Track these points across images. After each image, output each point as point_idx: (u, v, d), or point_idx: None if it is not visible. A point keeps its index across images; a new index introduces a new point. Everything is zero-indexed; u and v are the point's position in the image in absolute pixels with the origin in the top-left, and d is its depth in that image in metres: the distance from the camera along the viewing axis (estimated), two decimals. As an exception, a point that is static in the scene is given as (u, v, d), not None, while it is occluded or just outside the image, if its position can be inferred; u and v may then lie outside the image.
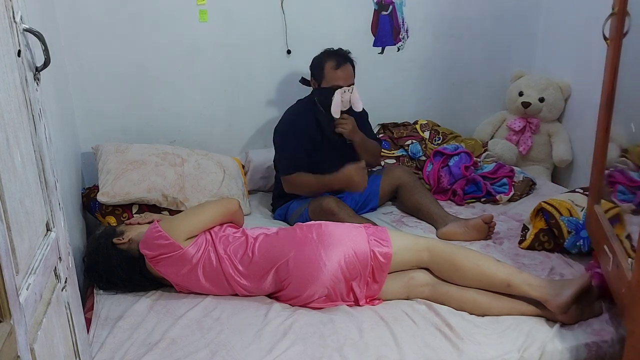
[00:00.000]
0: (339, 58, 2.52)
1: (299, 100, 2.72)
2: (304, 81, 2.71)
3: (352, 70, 2.55)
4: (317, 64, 2.58)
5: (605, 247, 1.72)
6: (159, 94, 2.87)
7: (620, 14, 1.71)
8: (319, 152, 2.61)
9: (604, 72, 1.84)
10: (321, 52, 2.60)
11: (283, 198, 2.69)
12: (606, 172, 1.95)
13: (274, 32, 2.94)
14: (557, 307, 1.78)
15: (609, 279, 1.75)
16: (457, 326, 1.78)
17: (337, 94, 2.48)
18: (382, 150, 3.03)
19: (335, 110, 2.50)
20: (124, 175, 2.48)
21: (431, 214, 2.56)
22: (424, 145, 3.08)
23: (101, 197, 2.42)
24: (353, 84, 2.54)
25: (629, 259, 1.53)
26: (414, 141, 3.08)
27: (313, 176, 2.54)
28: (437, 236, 2.44)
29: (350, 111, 2.58)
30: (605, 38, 1.79)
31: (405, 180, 2.69)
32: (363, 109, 2.67)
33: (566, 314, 1.79)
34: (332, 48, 2.60)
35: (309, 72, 2.65)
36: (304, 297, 1.90)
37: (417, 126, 3.17)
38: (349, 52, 2.58)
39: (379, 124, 3.20)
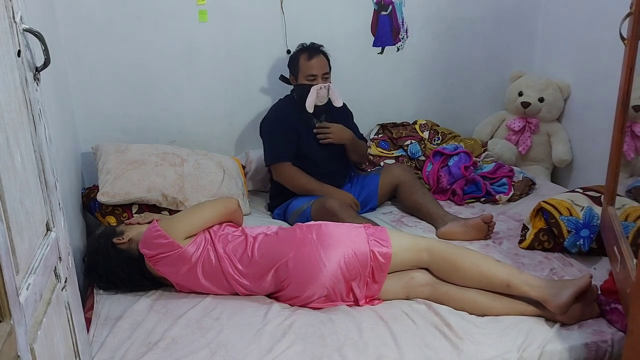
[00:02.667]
0: (311, 50, 2.65)
1: (280, 99, 2.80)
2: (283, 79, 2.79)
3: (325, 61, 2.65)
4: (292, 60, 2.70)
5: (615, 248, 1.72)
6: (159, 94, 2.87)
7: (637, 14, 1.70)
8: (305, 144, 2.66)
9: (621, 72, 1.83)
10: (295, 50, 2.72)
11: (281, 197, 2.71)
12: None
13: (273, 32, 2.94)
14: (556, 307, 1.78)
15: (617, 280, 1.75)
16: (456, 326, 1.78)
17: (313, 90, 2.57)
18: (382, 150, 3.04)
19: (310, 105, 2.59)
20: (124, 175, 2.48)
21: (430, 213, 2.57)
22: (423, 146, 3.08)
23: (101, 197, 2.42)
24: (328, 74, 2.65)
25: (634, 260, 1.54)
26: (413, 141, 3.08)
27: (305, 176, 2.61)
28: (436, 235, 2.45)
29: (330, 107, 2.66)
30: (622, 38, 1.77)
31: (405, 178, 2.70)
32: (348, 109, 2.82)
33: (566, 314, 1.79)
34: (305, 43, 2.71)
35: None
36: (304, 297, 1.90)
37: (417, 126, 3.17)
38: (322, 46, 2.69)
39: (378, 124, 3.20)
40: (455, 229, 2.42)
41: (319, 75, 2.61)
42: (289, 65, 2.74)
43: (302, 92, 2.63)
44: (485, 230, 2.39)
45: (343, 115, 2.80)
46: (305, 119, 2.68)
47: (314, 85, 2.59)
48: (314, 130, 2.67)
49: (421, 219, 2.61)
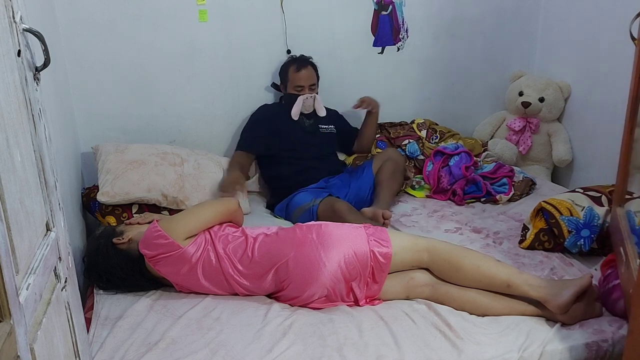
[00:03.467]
0: (299, 62, 2.84)
1: (268, 104, 2.97)
2: (275, 86, 2.96)
3: (313, 73, 2.84)
4: (283, 70, 2.89)
5: (621, 249, 1.72)
6: (159, 94, 2.87)
7: None
8: (291, 141, 2.81)
9: (632, 73, 1.81)
10: (286, 60, 2.90)
11: (282, 192, 2.75)
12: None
13: (273, 32, 2.94)
14: (557, 307, 1.78)
15: (622, 281, 1.74)
16: (456, 326, 1.78)
17: (300, 99, 2.78)
18: (380, 150, 3.04)
19: (295, 113, 2.79)
20: (124, 175, 2.48)
21: (377, 193, 2.65)
22: (421, 144, 3.08)
23: (101, 197, 2.42)
24: (315, 85, 2.83)
25: (638, 260, 1.53)
26: (411, 140, 3.08)
27: (231, 163, 2.75)
28: (364, 209, 2.51)
29: (314, 115, 2.84)
30: (632, 38, 1.76)
31: (394, 157, 2.78)
32: (339, 114, 3.01)
33: (566, 314, 1.79)
34: (295, 55, 2.89)
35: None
36: (304, 297, 1.90)
37: (414, 125, 3.16)
38: (311, 58, 2.87)
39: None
40: (367, 211, 2.47)
41: (306, 86, 2.80)
42: (279, 74, 2.91)
43: (290, 100, 2.82)
44: (383, 220, 2.41)
45: (333, 120, 2.96)
46: (294, 120, 2.82)
47: (300, 95, 2.78)
48: (357, 104, 2.91)
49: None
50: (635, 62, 1.80)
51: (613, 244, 2.00)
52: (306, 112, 2.82)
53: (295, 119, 2.80)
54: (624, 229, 1.77)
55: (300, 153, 2.80)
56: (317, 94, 2.85)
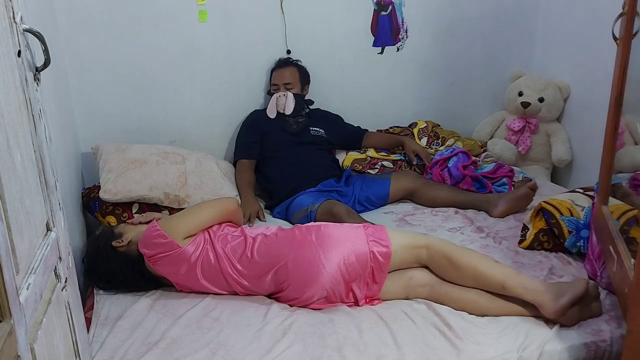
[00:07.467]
0: (280, 62, 2.92)
1: (258, 109, 3.01)
2: (270, 93, 2.99)
3: (293, 71, 2.88)
4: (270, 74, 2.95)
5: (611, 247, 1.72)
6: (159, 94, 2.87)
7: (630, 14, 1.70)
8: (279, 146, 2.83)
9: (614, 72, 1.83)
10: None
11: (275, 197, 2.75)
12: (632, 174, 1.93)
13: (273, 32, 2.94)
14: (552, 313, 1.76)
15: (613, 279, 1.74)
16: (456, 326, 1.78)
17: (273, 98, 2.86)
18: (381, 154, 3.03)
19: (270, 111, 2.85)
20: (126, 173, 2.48)
21: (472, 202, 2.67)
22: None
23: (103, 195, 2.42)
24: (290, 84, 2.85)
25: (632, 260, 1.53)
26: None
27: (242, 179, 2.76)
28: (494, 216, 2.56)
29: (313, 113, 2.92)
30: (614, 38, 1.78)
31: (419, 183, 2.77)
32: (334, 115, 3.04)
33: (565, 316, 1.78)
34: (282, 57, 2.94)
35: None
36: (303, 299, 1.90)
37: (415, 130, 3.15)
38: (299, 61, 2.92)
39: (377, 130, 3.19)
40: (510, 205, 2.56)
41: (281, 84, 2.85)
42: (270, 79, 2.97)
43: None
44: (532, 197, 2.58)
45: (327, 121, 2.98)
46: (281, 122, 2.85)
47: (275, 94, 2.85)
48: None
49: (465, 209, 2.66)
50: (617, 61, 1.81)
51: (598, 242, 2.00)
52: (282, 111, 2.83)
53: (272, 117, 2.84)
54: (612, 227, 1.77)
55: (286, 155, 2.80)
56: (299, 93, 2.87)
